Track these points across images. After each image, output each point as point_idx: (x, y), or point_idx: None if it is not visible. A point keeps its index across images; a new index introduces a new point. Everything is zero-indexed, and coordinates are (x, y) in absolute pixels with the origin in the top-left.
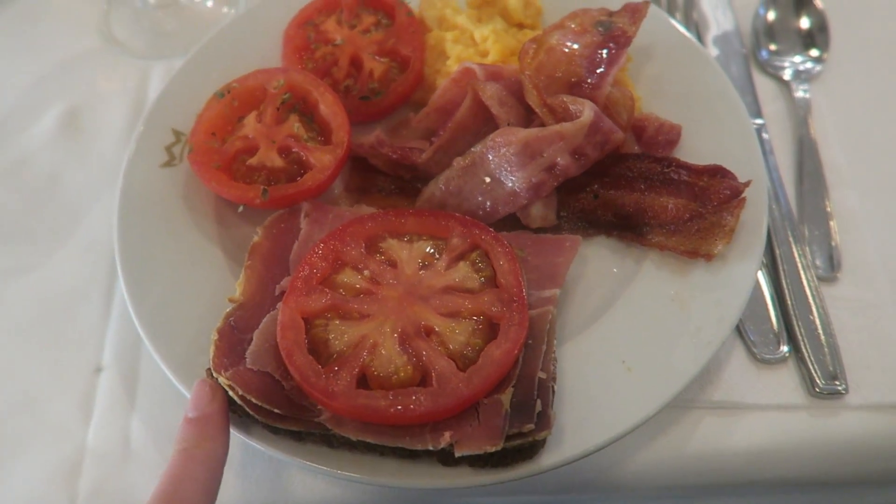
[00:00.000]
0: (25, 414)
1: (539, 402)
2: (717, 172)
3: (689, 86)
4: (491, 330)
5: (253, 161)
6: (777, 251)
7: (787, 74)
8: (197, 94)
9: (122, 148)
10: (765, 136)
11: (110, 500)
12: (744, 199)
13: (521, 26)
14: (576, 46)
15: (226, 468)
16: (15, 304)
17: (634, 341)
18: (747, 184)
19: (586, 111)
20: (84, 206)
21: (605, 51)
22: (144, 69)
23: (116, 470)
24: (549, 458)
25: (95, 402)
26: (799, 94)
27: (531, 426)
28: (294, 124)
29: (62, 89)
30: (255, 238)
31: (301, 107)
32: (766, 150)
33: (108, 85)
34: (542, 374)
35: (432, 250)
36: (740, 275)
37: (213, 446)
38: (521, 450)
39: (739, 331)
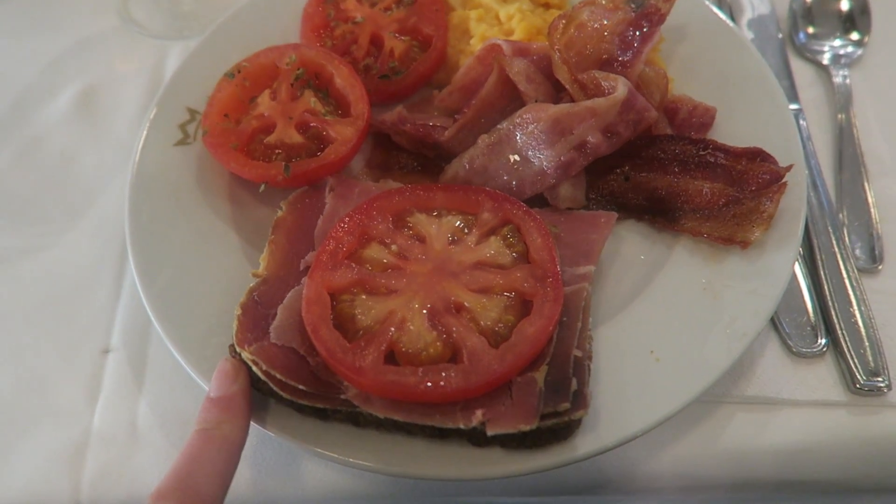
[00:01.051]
0: (32, 394)
1: (575, 380)
2: (757, 156)
3: (724, 68)
4: (523, 307)
5: (270, 139)
6: (815, 241)
7: (825, 59)
8: (213, 72)
9: (137, 128)
10: (802, 122)
11: (115, 483)
12: (784, 184)
13: (546, 6)
14: (607, 23)
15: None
16: (25, 283)
17: (664, 331)
18: (788, 168)
19: (620, 87)
20: (98, 187)
21: (637, 28)
22: (162, 49)
23: (122, 453)
24: (583, 442)
25: (103, 385)
26: (838, 79)
27: (567, 405)
28: (310, 99)
29: (79, 69)
30: (279, 213)
31: (315, 82)
32: (803, 137)
33: (125, 65)
34: (577, 353)
35: (462, 225)
36: (778, 264)
37: (232, 428)
38: (556, 431)
39: (774, 323)
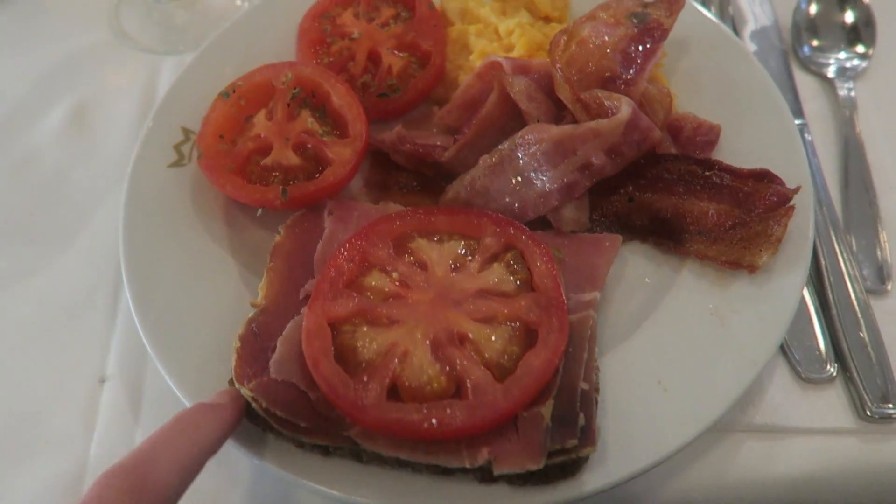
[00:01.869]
0: (27, 424)
1: (582, 415)
2: (764, 177)
3: (727, 83)
4: (528, 336)
5: (267, 161)
6: (822, 262)
7: (830, 71)
8: (208, 90)
9: (131, 146)
10: (807, 136)
11: None
12: (792, 206)
13: (547, 20)
14: (609, 39)
15: (233, 487)
16: (17, 309)
17: (671, 359)
18: (796, 190)
19: (623, 107)
20: (90, 207)
21: (640, 44)
22: (155, 64)
23: None
24: (591, 478)
25: (99, 414)
26: (843, 92)
27: (574, 441)
28: (307, 119)
29: (70, 84)
30: (277, 238)
31: (312, 101)
32: (808, 153)
33: (117, 80)
34: (584, 385)
35: (464, 251)
36: (786, 288)
37: (209, 427)
38: (563, 467)
39: (782, 348)
